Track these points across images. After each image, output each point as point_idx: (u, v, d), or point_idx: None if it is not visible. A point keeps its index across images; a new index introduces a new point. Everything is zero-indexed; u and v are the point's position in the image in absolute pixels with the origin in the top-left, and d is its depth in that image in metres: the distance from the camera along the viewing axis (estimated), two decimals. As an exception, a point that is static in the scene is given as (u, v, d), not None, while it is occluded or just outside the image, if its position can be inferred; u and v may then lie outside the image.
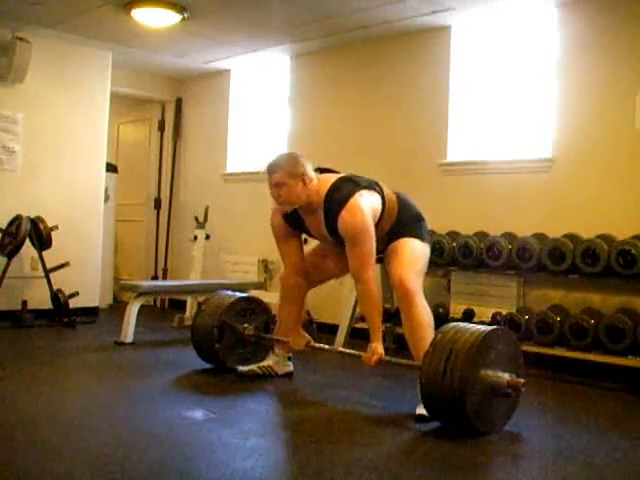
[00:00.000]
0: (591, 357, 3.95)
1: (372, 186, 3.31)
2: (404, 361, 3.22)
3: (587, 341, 3.94)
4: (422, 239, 3.38)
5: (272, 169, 3.30)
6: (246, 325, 3.88)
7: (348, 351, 3.60)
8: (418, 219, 3.45)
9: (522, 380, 2.85)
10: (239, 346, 3.89)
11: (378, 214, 3.30)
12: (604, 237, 4.01)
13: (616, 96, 4.23)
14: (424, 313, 3.21)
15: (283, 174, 3.25)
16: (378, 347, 3.19)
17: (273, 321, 3.98)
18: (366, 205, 3.22)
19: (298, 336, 3.60)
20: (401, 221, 3.37)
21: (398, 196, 3.45)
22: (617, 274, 3.89)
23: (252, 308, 3.97)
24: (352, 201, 3.19)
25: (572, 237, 4.11)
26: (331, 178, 3.32)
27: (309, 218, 3.39)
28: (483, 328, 2.91)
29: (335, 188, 3.26)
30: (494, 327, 2.97)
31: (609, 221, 4.15)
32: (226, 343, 3.83)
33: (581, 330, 3.96)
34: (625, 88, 4.18)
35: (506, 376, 2.84)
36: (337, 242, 3.34)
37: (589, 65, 4.35)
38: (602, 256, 3.90)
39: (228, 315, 3.85)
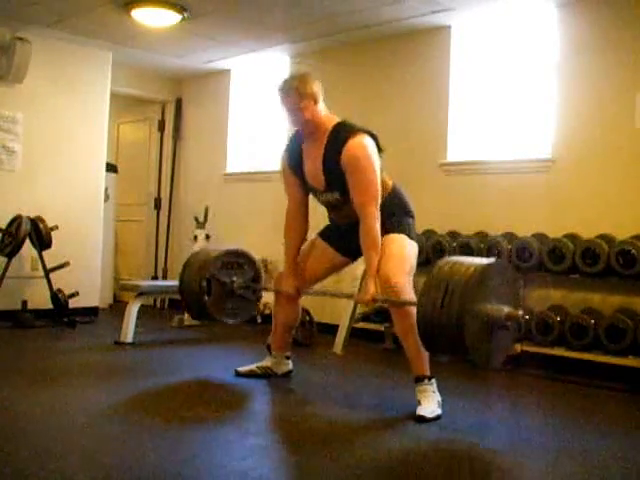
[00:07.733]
0: (591, 357, 3.95)
1: (378, 152, 3.25)
2: (398, 300, 3.09)
3: (587, 341, 3.94)
4: (410, 236, 3.26)
5: (283, 91, 3.24)
6: (234, 278, 3.82)
7: (340, 293, 3.34)
8: (407, 213, 3.33)
9: (521, 312, 2.78)
10: (227, 300, 3.82)
11: None
12: (604, 237, 4.02)
13: (616, 96, 4.23)
14: (415, 316, 3.14)
15: (295, 97, 3.20)
16: (371, 287, 3.13)
17: (260, 277, 3.95)
18: (373, 149, 3.19)
19: (289, 280, 3.51)
20: (389, 207, 3.23)
21: (394, 183, 3.36)
22: (617, 274, 3.89)
23: (240, 262, 3.89)
24: (361, 136, 3.17)
25: (572, 237, 4.12)
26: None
27: (309, 147, 3.32)
28: (479, 261, 2.83)
29: (346, 121, 3.27)
30: (491, 260, 2.89)
31: (609, 221, 4.15)
32: (214, 297, 3.75)
33: (581, 330, 3.96)
34: (625, 88, 4.19)
35: (505, 309, 2.77)
36: (325, 191, 3.28)
37: (589, 65, 4.35)
38: (602, 256, 3.90)
39: (216, 268, 3.77)
